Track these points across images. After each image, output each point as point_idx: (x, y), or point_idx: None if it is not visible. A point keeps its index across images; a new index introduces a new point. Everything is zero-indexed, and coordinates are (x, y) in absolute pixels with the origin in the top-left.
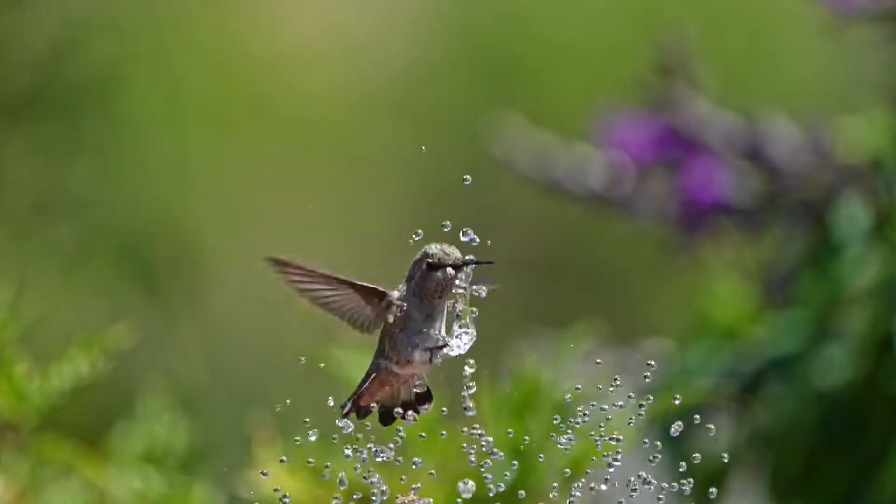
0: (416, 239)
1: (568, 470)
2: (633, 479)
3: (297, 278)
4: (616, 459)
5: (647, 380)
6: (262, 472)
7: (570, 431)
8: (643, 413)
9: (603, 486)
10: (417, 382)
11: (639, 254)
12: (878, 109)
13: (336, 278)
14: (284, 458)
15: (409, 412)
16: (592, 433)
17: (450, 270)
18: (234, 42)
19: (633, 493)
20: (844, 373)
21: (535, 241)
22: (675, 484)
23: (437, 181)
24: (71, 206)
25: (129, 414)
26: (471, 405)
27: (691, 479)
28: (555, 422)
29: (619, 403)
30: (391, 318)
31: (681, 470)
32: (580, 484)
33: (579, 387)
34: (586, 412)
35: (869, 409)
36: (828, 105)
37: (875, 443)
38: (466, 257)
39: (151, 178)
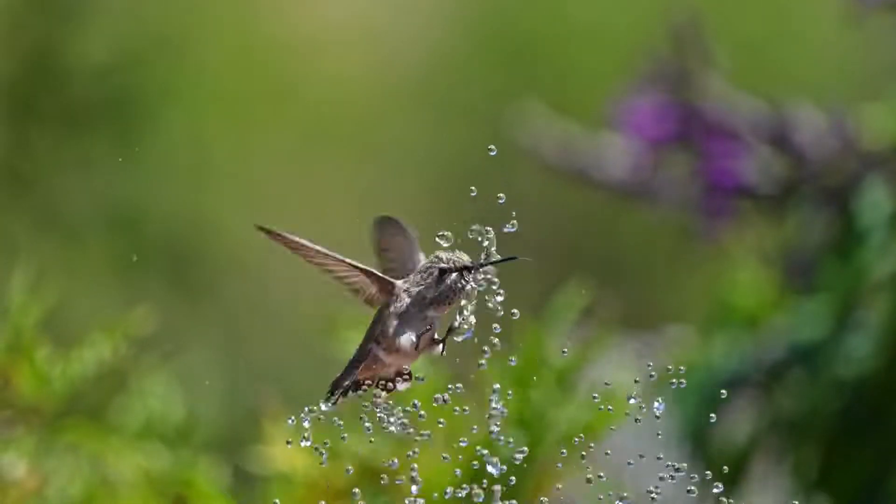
0: (445, 245)
1: (579, 436)
2: (662, 467)
3: (308, 256)
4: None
5: (665, 365)
6: (287, 442)
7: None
8: (644, 386)
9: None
10: (404, 370)
11: (661, 241)
12: None
13: (347, 262)
14: (290, 439)
15: (384, 391)
16: (598, 405)
17: (461, 282)
18: (256, 28)
19: (662, 480)
20: (867, 361)
21: (557, 229)
22: (702, 474)
23: (459, 168)
24: (93, 192)
25: (134, 393)
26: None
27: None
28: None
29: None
30: (393, 307)
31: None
32: (586, 453)
33: (566, 351)
34: (606, 382)
35: (891, 397)
36: (852, 91)
37: None
38: (483, 262)
39: (173, 164)
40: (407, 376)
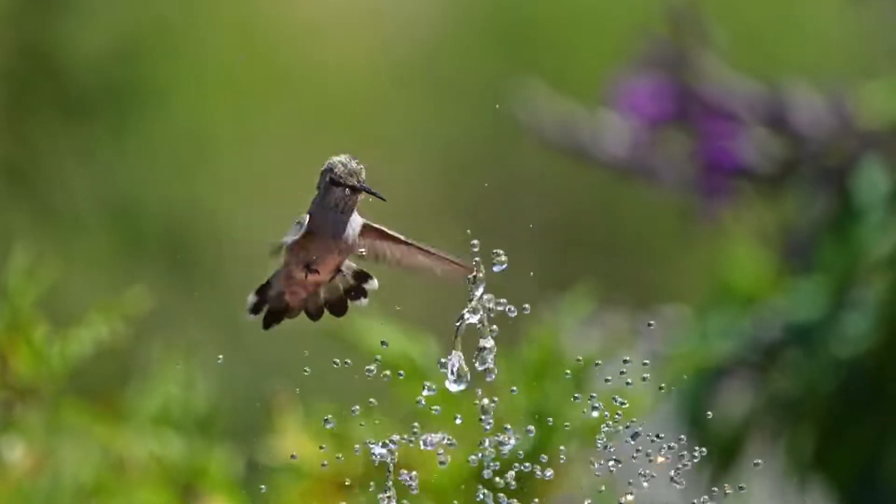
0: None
1: (584, 436)
2: (655, 441)
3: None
4: (629, 425)
5: (663, 346)
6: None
7: (592, 397)
8: (651, 378)
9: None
10: (343, 275)
11: (660, 220)
12: None
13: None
14: (303, 425)
15: (361, 299)
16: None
17: (348, 191)
18: (256, 13)
19: (651, 460)
20: (864, 340)
21: (556, 208)
22: (693, 452)
23: (461, 149)
24: (92, 181)
25: (145, 376)
26: (492, 365)
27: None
28: (570, 389)
29: (629, 366)
30: (297, 226)
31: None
32: (597, 448)
33: (580, 358)
34: (606, 379)
35: (888, 375)
36: (849, 71)
37: (893, 409)
38: (364, 185)
39: (173, 152)
40: (360, 291)
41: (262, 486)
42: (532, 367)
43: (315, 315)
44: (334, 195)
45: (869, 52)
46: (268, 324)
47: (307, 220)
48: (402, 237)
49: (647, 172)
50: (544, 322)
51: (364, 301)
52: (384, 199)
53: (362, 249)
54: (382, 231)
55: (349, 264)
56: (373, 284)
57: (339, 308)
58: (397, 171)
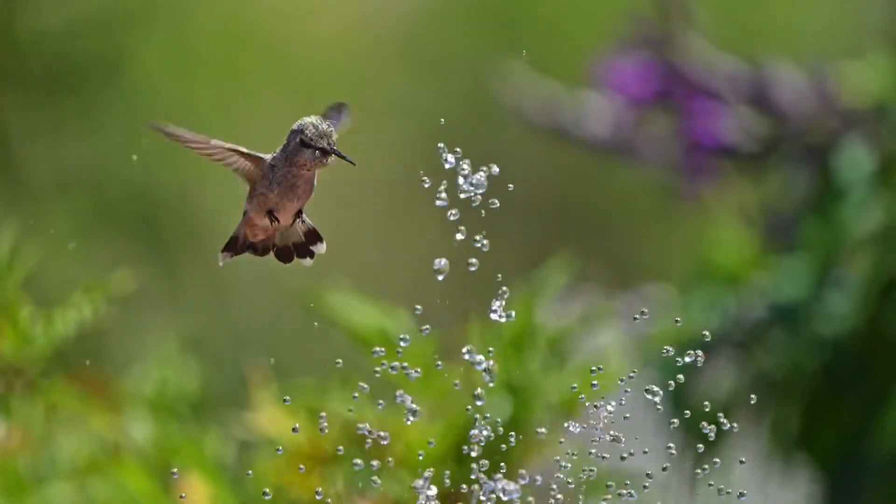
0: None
1: (561, 407)
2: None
3: (188, 144)
4: (604, 397)
5: (641, 319)
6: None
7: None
8: (634, 356)
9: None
10: (303, 221)
11: (643, 199)
12: (882, 54)
13: (223, 146)
14: (284, 398)
15: (306, 258)
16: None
17: (318, 153)
18: None
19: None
20: (847, 318)
21: (539, 187)
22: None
23: (444, 127)
24: (75, 158)
25: (138, 360)
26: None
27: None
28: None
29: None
30: (262, 172)
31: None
32: (576, 420)
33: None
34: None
35: (871, 354)
36: (832, 50)
37: (877, 388)
38: (335, 149)
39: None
40: (315, 235)
41: (249, 472)
42: (508, 338)
43: (261, 252)
44: (304, 156)
45: (851, 31)
46: (235, 254)
47: (270, 171)
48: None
49: (631, 152)
50: (520, 294)
51: (309, 261)
52: (353, 164)
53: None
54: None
55: (308, 222)
56: (320, 248)
57: (285, 257)
58: (379, 149)
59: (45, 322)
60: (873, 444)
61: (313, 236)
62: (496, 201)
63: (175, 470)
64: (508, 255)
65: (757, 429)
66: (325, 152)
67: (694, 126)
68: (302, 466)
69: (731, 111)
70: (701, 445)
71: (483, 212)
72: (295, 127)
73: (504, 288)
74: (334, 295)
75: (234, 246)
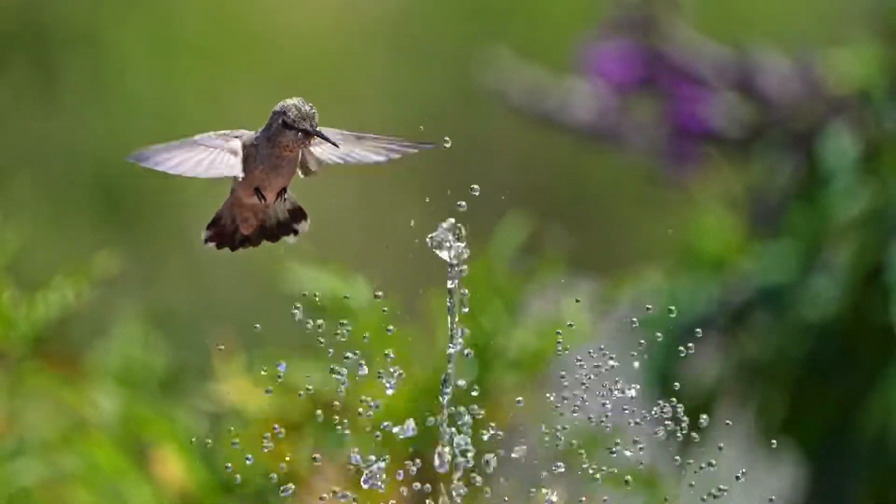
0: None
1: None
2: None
3: (167, 164)
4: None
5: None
6: (266, 390)
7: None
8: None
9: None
10: (285, 199)
11: (628, 185)
12: (868, 41)
13: (195, 143)
14: (261, 369)
15: (291, 235)
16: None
17: (301, 134)
18: None
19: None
20: (832, 304)
21: (524, 173)
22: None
23: (429, 113)
24: (57, 141)
25: (103, 336)
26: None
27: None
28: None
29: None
30: (246, 152)
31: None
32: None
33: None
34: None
35: (856, 339)
36: (817, 36)
37: (862, 373)
38: (317, 130)
39: (140, 115)
40: (300, 213)
41: (235, 442)
42: (469, 300)
43: (256, 241)
44: (286, 137)
45: (836, 17)
46: (220, 246)
47: (254, 150)
48: (343, 134)
49: (615, 137)
50: (480, 255)
51: (292, 239)
52: (337, 145)
53: (315, 169)
54: (323, 135)
55: (292, 199)
56: (303, 227)
57: (271, 236)
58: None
59: (27, 306)
60: (859, 429)
61: (298, 214)
62: (476, 188)
63: (146, 444)
64: (492, 241)
65: (743, 413)
66: (308, 134)
67: (679, 112)
68: (278, 428)
69: (716, 97)
70: (687, 433)
71: (463, 203)
72: (277, 108)
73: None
74: (295, 265)
75: (220, 227)
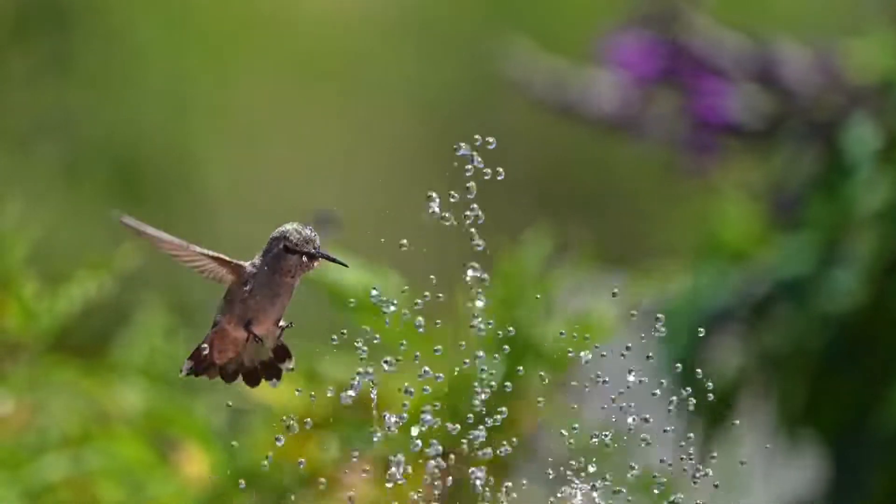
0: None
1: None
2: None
3: (163, 246)
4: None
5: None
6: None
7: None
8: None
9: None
10: (280, 334)
11: (648, 176)
12: (888, 31)
13: (204, 253)
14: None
15: (273, 379)
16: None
17: (304, 258)
18: None
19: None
20: (852, 295)
21: (544, 164)
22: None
23: (448, 103)
24: (72, 128)
25: (127, 330)
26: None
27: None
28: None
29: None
30: (240, 282)
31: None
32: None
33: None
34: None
35: (876, 331)
36: (837, 27)
37: (881, 364)
38: (321, 252)
39: (156, 101)
40: (284, 351)
41: (234, 443)
42: (501, 296)
43: (231, 376)
44: (289, 262)
45: (857, 7)
46: (198, 374)
47: (251, 278)
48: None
49: (636, 129)
50: (512, 255)
51: (276, 382)
52: (345, 265)
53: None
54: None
55: (280, 338)
56: (288, 365)
57: (252, 379)
58: (383, 123)
59: (50, 298)
60: (878, 420)
61: (282, 352)
62: (501, 170)
63: (173, 439)
64: (512, 232)
65: (763, 404)
66: (312, 257)
67: (700, 103)
68: (308, 421)
69: (737, 89)
70: (709, 426)
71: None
72: (276, 234)
73: (478, 241)
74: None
75: (199, 357)
